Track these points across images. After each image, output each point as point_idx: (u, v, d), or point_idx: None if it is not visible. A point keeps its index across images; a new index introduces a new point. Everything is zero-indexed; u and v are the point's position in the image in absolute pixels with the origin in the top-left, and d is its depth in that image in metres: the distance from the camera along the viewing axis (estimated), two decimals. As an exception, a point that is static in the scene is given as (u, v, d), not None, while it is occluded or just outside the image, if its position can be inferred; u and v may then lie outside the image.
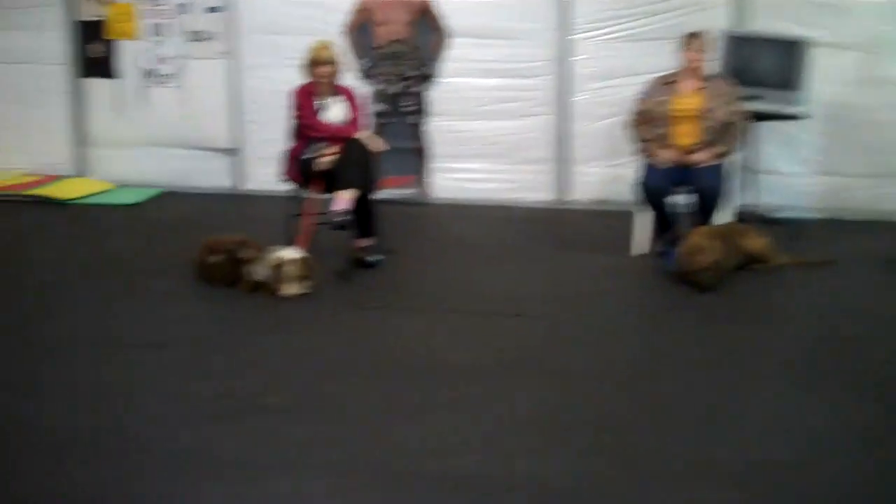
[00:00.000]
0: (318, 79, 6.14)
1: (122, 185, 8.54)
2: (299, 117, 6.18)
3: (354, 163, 5.97)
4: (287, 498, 3.34)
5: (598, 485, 3.43)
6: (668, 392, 4.26)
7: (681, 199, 6.24)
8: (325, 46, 6.17)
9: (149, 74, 8.55)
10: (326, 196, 6.08)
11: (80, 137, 8.75)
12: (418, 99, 8.08)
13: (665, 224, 6.23)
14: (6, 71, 8.61)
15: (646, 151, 6.29)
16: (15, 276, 5.97)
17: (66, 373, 4.42)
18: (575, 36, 7.85)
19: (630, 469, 3.54)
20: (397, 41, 7.93)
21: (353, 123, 6.21)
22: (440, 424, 3.91)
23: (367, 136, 6.16)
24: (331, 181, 6.01)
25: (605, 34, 7.81)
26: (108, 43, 8.55)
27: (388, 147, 6.36)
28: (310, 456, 3.63)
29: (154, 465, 3.53)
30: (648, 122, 6.29)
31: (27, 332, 4.96)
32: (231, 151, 8.49)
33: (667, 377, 4.44)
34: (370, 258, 6.12)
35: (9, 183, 8.37)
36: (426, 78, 8.05)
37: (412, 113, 8.09)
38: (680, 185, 6.14)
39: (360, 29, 8.00)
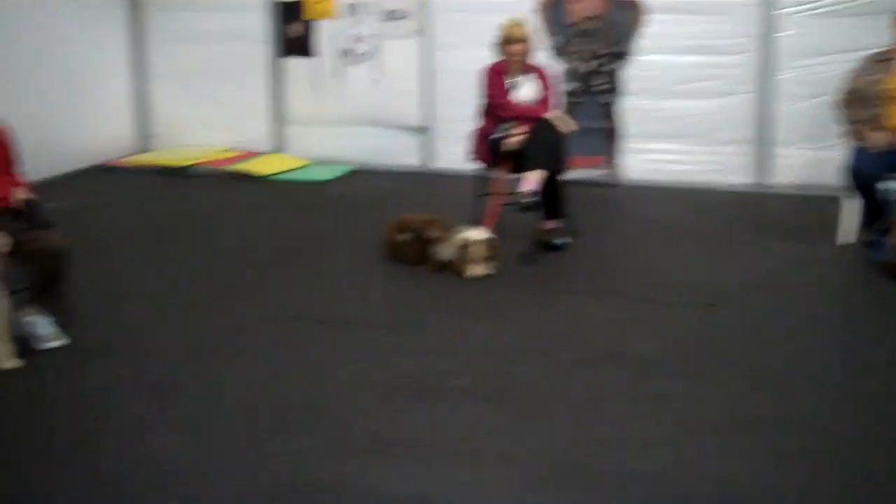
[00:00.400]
0: (510, 57, 6.05)
1: (317, 162, 8.74)
2: (489, 96, 6.11)
3: (544, 143, 5.85)
4: (466, 485, 3.28)
5: (787, 493, 3.21)
6: (872, 394, 3.95)
7: (893, 186, 5.81)
8: (517, 24, 6.06)
9: (345, 53, 8.69)
10: (514, 176, 5.98)
11: (279, 115, 9.01)
12: (611, 77, 7.87)
13: (875, 212, 5.80)
14: (211, 50, 8.94)
15: (856, 134, 5.87)
16: (212, 251, 6.19)
17: (258, 347, 4.54)
18: (780, 10, 7.44)
19: (828, 478, 3.30)
20: (591, 17, 7.75)
21: (543, 103, 6.08)
22: (622, 418, 3.77)
23: (557, 115, 6.01)
24: (519, 161, 5.91)
25: (814, 8, 7.36)
26: (306, 23, 8.74)
27: (577, 127, 6.20)
28: (491, 443, 3.57)
29: (337, 442, 3.57)
30: (859, 102, 5.86)
31: (223, 305, 5.13)
32: (421, 130, 8.54)
33: (871, 378, 4.12)
34: (557, 241, 6.01)
35: (211, 158, 8.73)
36: (620, 55, 7.83)
37: (604, 92, 7.90)
38: (893, 170, 5.71)
39: (554, 5, 7.86)
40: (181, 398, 3.97)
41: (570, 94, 7.78)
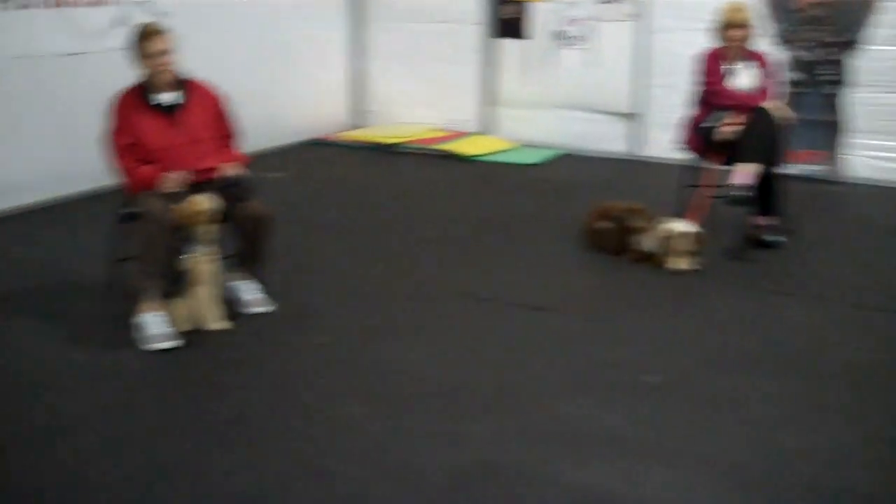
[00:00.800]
0: (729, 43, 5.79)
1: (524, 145, 8.70)
2: (705, 83, 5.87)
3: (760, 134, 5.57)
4: (648, 484, 3.18)
5: None
6: None
7: None
8: (738, 8, 5.79)
9: (557, 36, 8.59)
10: (726, 168, 5.73)
11: (489, 96, 9.02)
12: (838, 67, 7.41)
13: None
14: (427, 30, 9.05)
15: None
16: (413, 228, 6.27)
17: (449, 326, 4.56)
18: None
19: None
20: (820, 4, 7.32)
21: (762, 92, 5.78)
22: (815, 428, 3.56)
23: (776, 106, 5.70)
24: (732, 152, 5.66)
25: None
26: (520, 4, 8.70)
27: (796, 119, 5.86)
28: (678, 443, 3.45)
29: (522, 428, 3.53)
30: None
31: (419, 282, 5.18)
32: (631, 116, 8.34)
33: None
34: (769, 238, 5.71)
35: (420, 136, 8.84)
36: (850, 45, 7.35)
37: (831, 83, 7.45)
38: None
39: (780, -10, 7.49)
40: (372, 371, 4.03)
41: (793, 83, 7.38)
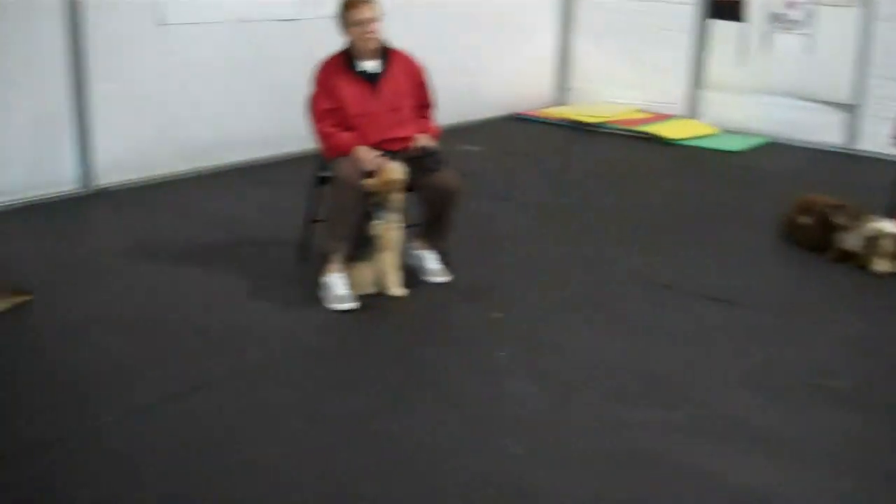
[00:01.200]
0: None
1: (729, 131, 8.41)
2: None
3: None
4: (809, 491, 3.04)
5: None
6: None
7: None
8: (974, -3, 5.38)
9: (776, 19, 8.23)
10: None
11: (697, 79, 8.76)
12: None
13: None
14: (638, 8, 8.85)
15: None
16: (602, 209, 6.20)
17: (625, 310, 4.49)
18: None
19: None
20: None
21: None
22: None
23: None
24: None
25: None
26: (740, -14, 8.40)
27: None
28: (851, 455, 3.27)
29: (686, 420, 3.46)
30: None
31: (600, 263, 5.12)
32: (848, 107, 7.89)
33: None
34: None
35: (622, 117, 8.70)
36: None
37: None
38: None
39: None
40: (543, 349, 4.03)
41: None
